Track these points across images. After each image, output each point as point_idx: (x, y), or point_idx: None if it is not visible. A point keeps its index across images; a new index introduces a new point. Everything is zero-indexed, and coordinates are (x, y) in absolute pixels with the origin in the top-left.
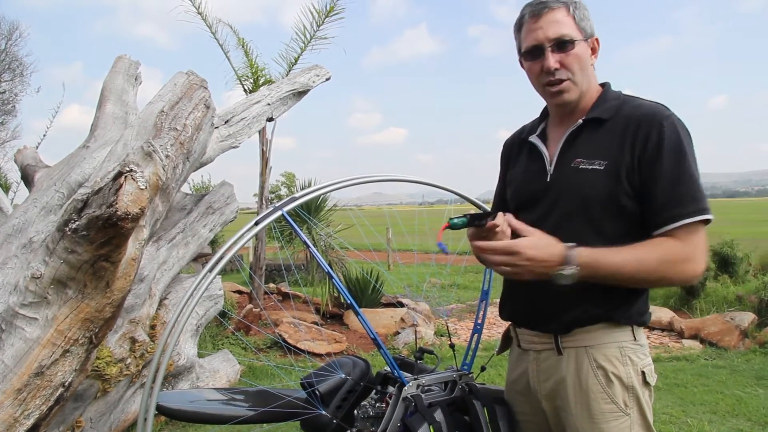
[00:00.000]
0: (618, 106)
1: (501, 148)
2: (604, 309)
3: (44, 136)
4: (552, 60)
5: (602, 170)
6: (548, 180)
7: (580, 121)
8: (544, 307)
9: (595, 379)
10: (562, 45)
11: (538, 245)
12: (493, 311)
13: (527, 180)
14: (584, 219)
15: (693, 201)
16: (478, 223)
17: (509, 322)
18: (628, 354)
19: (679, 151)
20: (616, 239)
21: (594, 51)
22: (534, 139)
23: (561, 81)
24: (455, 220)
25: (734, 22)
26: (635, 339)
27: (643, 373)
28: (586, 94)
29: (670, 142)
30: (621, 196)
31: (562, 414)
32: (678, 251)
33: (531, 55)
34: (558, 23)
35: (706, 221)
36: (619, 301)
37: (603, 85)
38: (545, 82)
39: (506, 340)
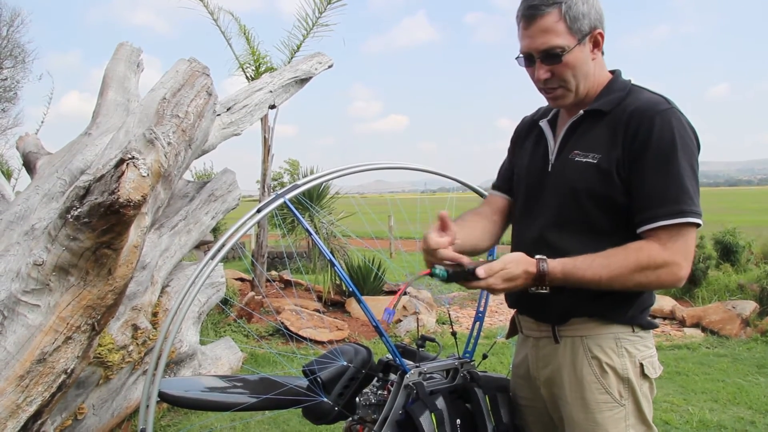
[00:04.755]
0: (621, 98)
1: (501, 137)
2: (598, 306)
3: (42, 122)
4: (542, 71)
5: (594, 164)
6: (549, 169)
7: (581, 112)
8: (541, 297)
9: (590, 368)
10: (552, 57)
11: (507, 265)
12: (494, 299)
13: (531, 167)
14: (578, 212)
15: (674, 202)
16: (458, 278)
17: (515, 309)
18: (624, 345)
19: (667, 148)
20: (610, 234)
21: (597, 44)
22: (543, 124)
23: (554, 88)
24: (437, 271)
25: (733, 9)
26: (634, 330)
27: (641, 365)
28: (591, 88)
29: (658, 138)
30: (612, 190)
31: (558, 402)
32: (655, 257)
33: (525, 61)
34: (547, 33)
35: (694, 224)
36: (613, 300)
37: (614, 72)
38: (539, 88)
39: (514, 326)
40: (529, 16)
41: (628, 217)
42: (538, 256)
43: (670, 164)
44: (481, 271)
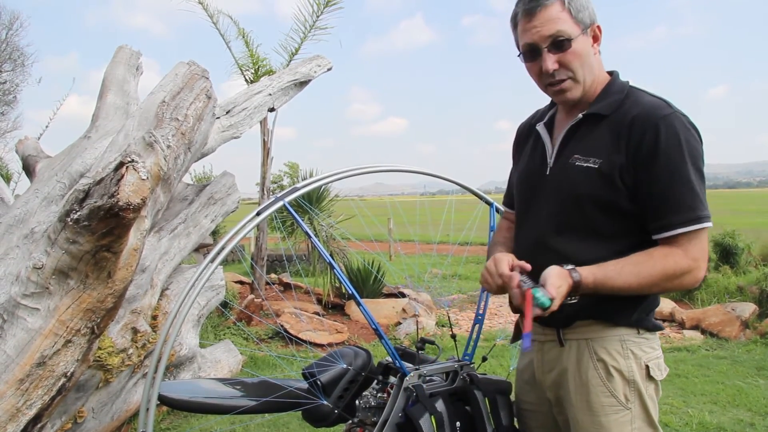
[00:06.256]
0: (620, 101)
1: (501, 139)
2: (603, 309)
3: (47, 127)
4: (550, 61)
5: (596, 168)
6: (547, 173)
7: (580, 115)
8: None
9: (595, 372)
10: (559, 44)
11: (558, 281)
12: (494, 301)
13: (529, 171)
14: (579, 216)
15: (690, 209)
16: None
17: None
18: (630, 347)
19: (676, 156)
20: (612, 237)
21: (596, 39)
22: (540, 127)
23: (562, 81)
24: (541, 299)
25: (730, 10)
26: (639, 332)
27: (647, 366)
28: (590, 86)
29: (666, 146)
30: (614, 195)
31: (563, 404)
32: (680, 263)
33: (529, 55)
34: (553, 21)
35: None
36: (618, 303)
37: (611, 73)
38: (546, 83)
39: (518, 329)
40: (530, 9)
41: (630, 221)
42: (568, 267)
43: (681, 172)
44: (554, 292)
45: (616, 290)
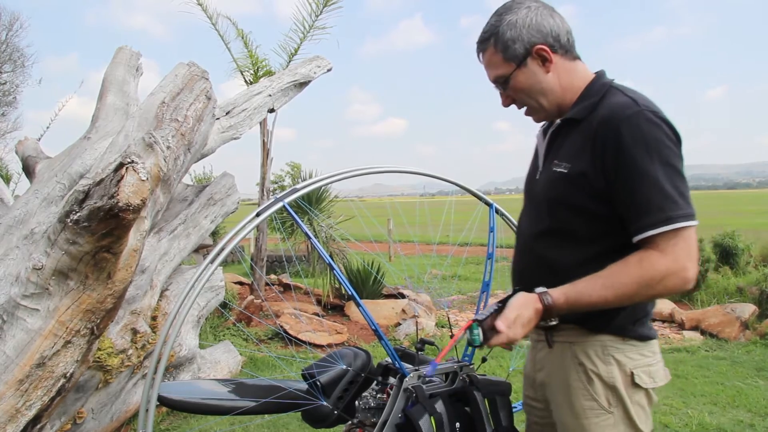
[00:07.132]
0: (594, 104)
1: (500, 139)
2: (584, 314)
3: (47, 128)
4: (503, 98)
5: (566, 173)
6: (537, 178)
7: (558, 121)
8: None
9: (576, 375)
10: (502, 85)
11: (518, 310)
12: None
13: (528, 177)
14: (554, 221)
15: (659, 210)
16: (488, 339)
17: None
18: (611, 353)
19: (639, 155)
20: (589, 241)
21: (545, 60)
22: (538, 132)
23: (522, 108)
24: (475, 335)
25: (728, 11)
26: (624, 339)
27: (632, 374)
28: (560, 98)
29: (629, 147)
30: (584, 200)
31: (551, 406)
32: (656, 266)
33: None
34: (490, 66)
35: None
36: (598, 310)
37: (597, 74)
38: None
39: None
40: (478, 53)
41: (608, 225)
42: (538, 290)
43: (646, 172)
44: (501, 325)
45: (594, 306)
